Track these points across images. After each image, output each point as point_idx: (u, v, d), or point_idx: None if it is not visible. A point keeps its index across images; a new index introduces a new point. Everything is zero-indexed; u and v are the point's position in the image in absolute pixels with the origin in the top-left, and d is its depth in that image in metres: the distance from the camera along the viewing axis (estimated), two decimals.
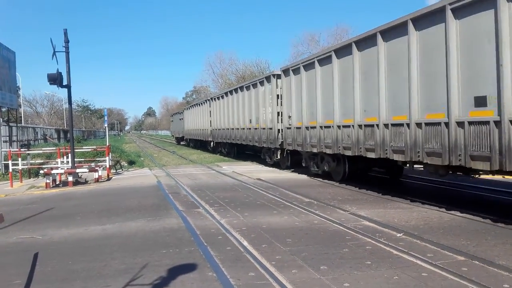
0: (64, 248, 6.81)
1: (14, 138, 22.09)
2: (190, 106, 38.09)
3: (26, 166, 17.66)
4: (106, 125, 24.53)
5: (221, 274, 5.27)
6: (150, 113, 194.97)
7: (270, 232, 7.28)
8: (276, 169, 17.76)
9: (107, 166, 17.38)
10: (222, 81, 63.14)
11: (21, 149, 21.00)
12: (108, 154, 18.13)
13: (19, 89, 43.60)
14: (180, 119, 45.05)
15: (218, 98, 26.21)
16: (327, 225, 7.67)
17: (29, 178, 17.59)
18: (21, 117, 42.50)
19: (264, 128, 18.10)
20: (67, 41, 14.72)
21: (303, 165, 15.25)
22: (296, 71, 14.81)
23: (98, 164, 18.00)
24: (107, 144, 21.52)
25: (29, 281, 5.31)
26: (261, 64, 56.12)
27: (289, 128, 15.53)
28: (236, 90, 22.49)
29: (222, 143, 26.26)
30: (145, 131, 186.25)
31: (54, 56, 14.22)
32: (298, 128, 14.66)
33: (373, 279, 4.97)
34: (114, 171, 19.16)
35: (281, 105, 16.43)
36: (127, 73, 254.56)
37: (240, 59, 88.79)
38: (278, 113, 16.61)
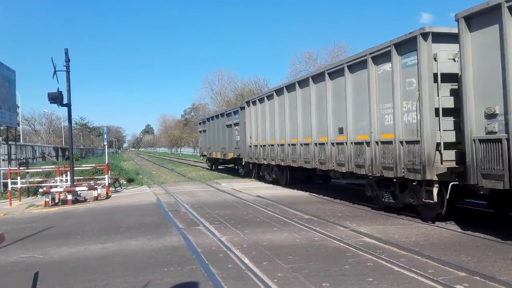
0: (65, 267, 6.78)
1: (13, 157, 22.09)
2: (275, 91, 17.21)
3: (25, 185, 17.63)
4: (105, 143, 24.53)
5: None
6: (148, 130, 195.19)
7: (271, 249, 7.28)
8: (275, 185, 17.78)
9: (106, 184, 17.37)
10: (220, 99, 63.53)
11: (20, 167, 20.96)
12: (107, 172, 18.13)
13: (18, 107, 43.71)
14: (228, 126, 25.07)
15: None
16: (327, 242, 7.68)
17: (28, 196, 17.53)
18: (19, 135, 42.51)
19: None
20: (67, 60, 14.89)
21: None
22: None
23: (97, 182, 17.98)
24: (106, 162, 21.53)
25: None
26: (259, 82, 56.55)
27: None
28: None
29: None
30: (143, 149, 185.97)
31: (55, 75, 14.37)
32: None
33: None
34: (113, 189, 19.12)
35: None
36: (125, 91, 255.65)
37: (238, 77, 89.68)
38: None
